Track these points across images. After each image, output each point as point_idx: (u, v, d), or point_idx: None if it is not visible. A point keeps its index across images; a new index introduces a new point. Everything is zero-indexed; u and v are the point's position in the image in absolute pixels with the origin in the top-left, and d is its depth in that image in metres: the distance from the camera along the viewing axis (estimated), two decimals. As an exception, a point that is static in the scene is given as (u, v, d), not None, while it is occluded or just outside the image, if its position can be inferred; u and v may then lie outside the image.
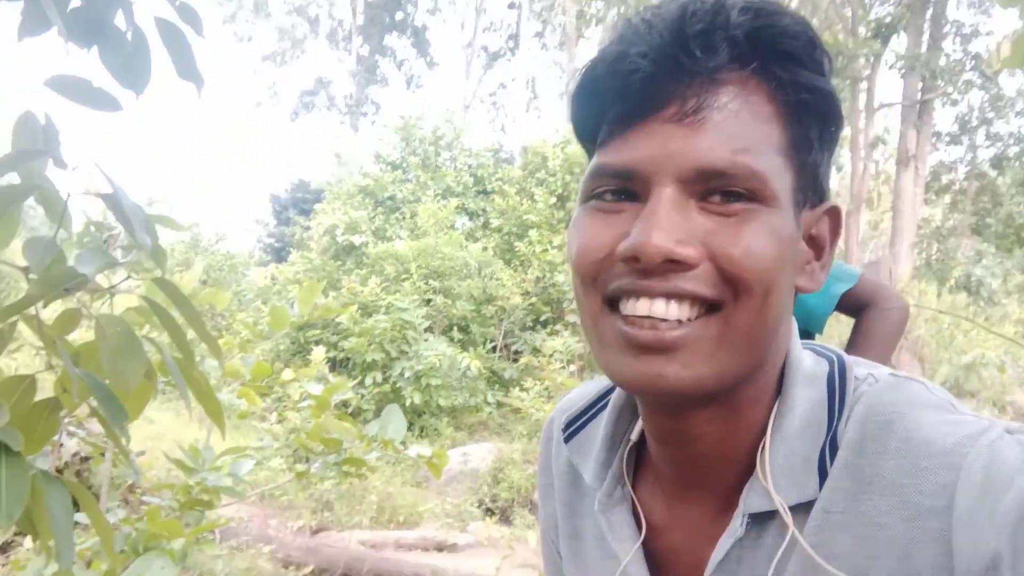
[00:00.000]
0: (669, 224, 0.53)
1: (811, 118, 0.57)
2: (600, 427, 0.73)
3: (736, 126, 0.54)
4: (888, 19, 16.37)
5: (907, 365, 8.67)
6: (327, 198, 13.57)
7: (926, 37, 15.79)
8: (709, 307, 0.55)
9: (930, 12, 15.81)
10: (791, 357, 0.62)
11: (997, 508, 0.48)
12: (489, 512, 6.76)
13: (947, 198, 17.36)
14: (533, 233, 11.47)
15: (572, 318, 9.51)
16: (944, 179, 17.41)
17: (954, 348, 9.07)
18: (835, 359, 0.63)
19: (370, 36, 28.41)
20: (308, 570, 4.75)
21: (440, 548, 5.62)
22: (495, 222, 12.37)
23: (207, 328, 1.13)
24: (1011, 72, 15.77)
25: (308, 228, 13.53)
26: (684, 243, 0.53)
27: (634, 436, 0.71)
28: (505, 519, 6.64)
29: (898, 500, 0.54)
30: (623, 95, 0.55)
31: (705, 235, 0.54)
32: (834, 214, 0.63)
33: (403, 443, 2.51)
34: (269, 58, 28.93)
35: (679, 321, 0.55)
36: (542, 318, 10.60)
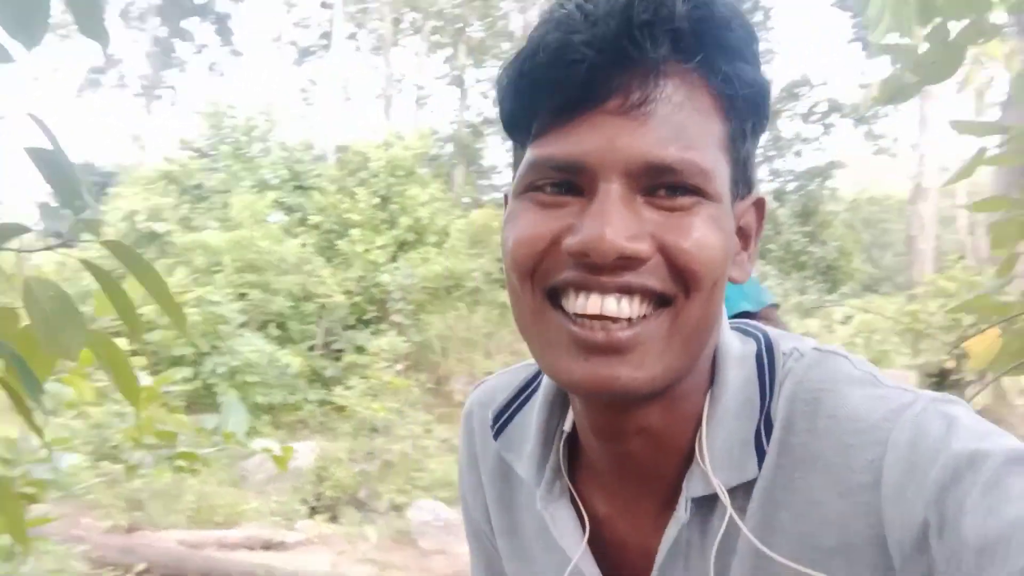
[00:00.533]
0: (620, 220, 0.52)
1: (748, 111, 0.57)
2: (530, 418, 0.71)
3: (681, 120, 0.53)
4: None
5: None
6: (125, 182, 12.48)
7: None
8: (658, 302, 0.54)
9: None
10: (722, 341, 0.63)
11: (923, 481, 0.49)
12: (314, 511, 6.51)
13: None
14: (355, 232, 11.28)
15: (398, 318, 9.42)
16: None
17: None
18: (761, 336, 0.63)
19: (168, 17, 26.59)
20: (137, 570, 4.32)
21: (267, 547, 5.33)
22: (314, 219, 12.01)
23: (172, 296, 1.02)
24: (790, 118, 17.71)
25: (103, 212, 12.33)
26: (636, 239, 0.52)
27: (567, 427, 0.69)
28: (333, 518, 6.42)
29: (831, 477, 0.55)
30: (566, 85, 0.53)
31: (654, 229, 0.53)
32: (760, 205, 0.63)
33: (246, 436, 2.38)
34: (51, 30, 26.17)
35: (628, 320, 0.54)
36: (365, 317, 10.41)
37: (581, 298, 0.54)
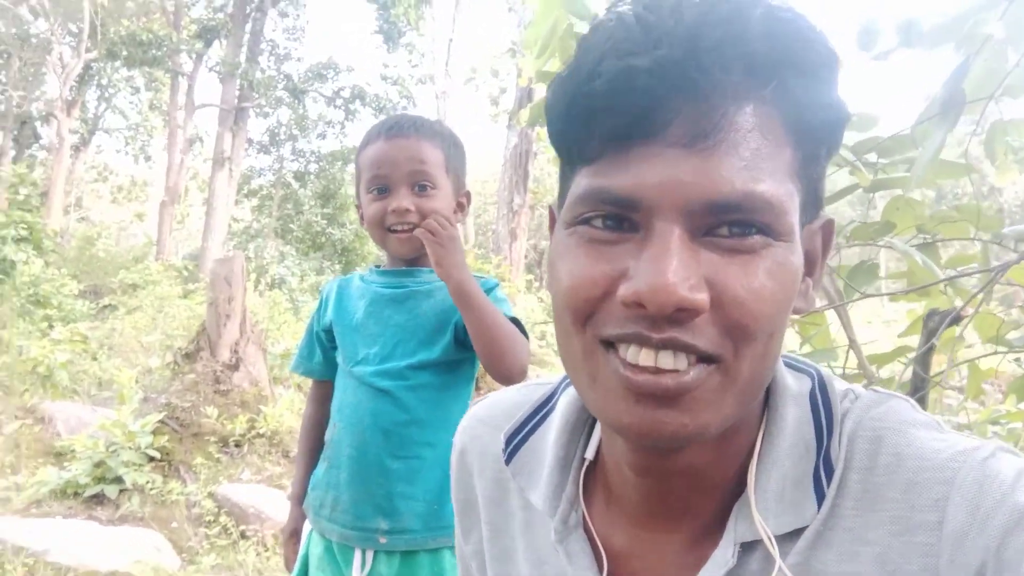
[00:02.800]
0: (679, 268, 0.48)
1: (823, 136, 0.53)
2: (545, 442, 0.67)
3: (750, 152, 0.49)
4: (212, 22, 16.95)
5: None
6: None
7: (245, 49, 16.85)
8: (706, 359, 0.51)
9: (249, 27, 16.95)
10: (777, 377, 0.59)
11: (987, 524, 0.48)
12: None
13: (255, 201, 18.75)
14: None
15: None
16: (254, 183, 18.76)
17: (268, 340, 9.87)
18: (815, 374, 0.61)
19: None
20: None
21: None
22: None
23: None
24: (315, 100, 17.96)
25: None
26: (695, 288, 0.48)
27: (589, 455, 0.66)
28: None
29: (888, 515, 0.52)
30: (624, 113, 0.48)
31: (713, 274, 0.49)
32: (828, 227, 0.59)
33: None
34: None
35: (682, 370, 0.51)
36: None
37: (634, 349, 0.50)
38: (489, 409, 0.75)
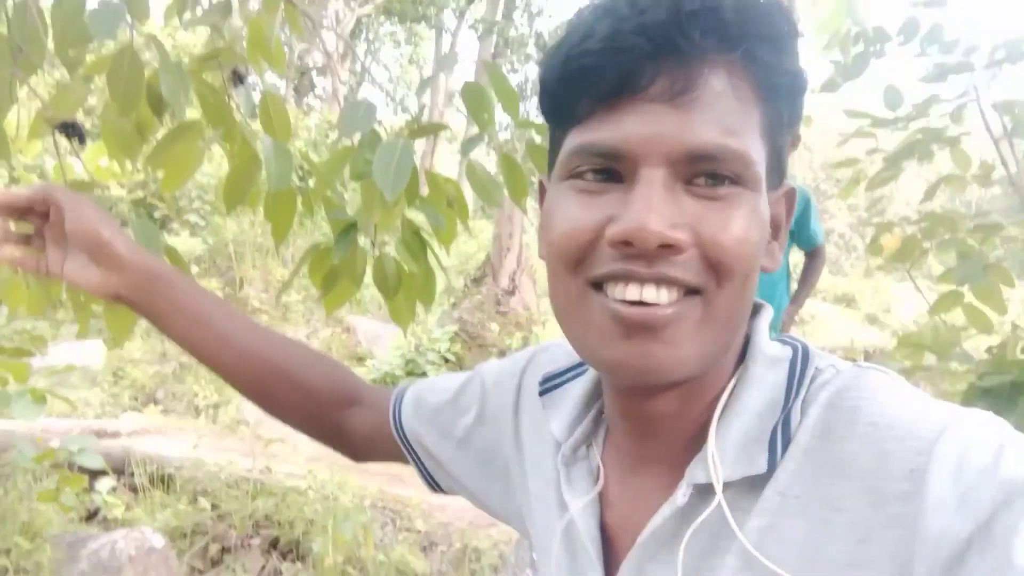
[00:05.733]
0: (663, 208, 0.52)
1: (786, 101, 0.57)
2: (576, 390, 0.73)
3: (724, 108, 0.54)
4: (473, -19, 18.06)
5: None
6: None
7: (501, 6, 17.92)
8: (689, 291, 0.55)
9: (506, -16, 17.92)
10: (756, 337, 0.63)
11: (973, 498, 0.47)
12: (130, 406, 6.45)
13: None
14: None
15: (193, 218, 9.09)
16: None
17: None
18: (800, 347, 0.63)
19: None
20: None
21: (100, 434, 5.28)
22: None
23: None
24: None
25: None
26: (677, 227, 0.53)
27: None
28: (164, 411, 6.43)
29: (863, 484, 0.52)
30: (613, 71, 0.53)
31: (693, 220, 0.54)
32: (790, 195, 0.64)
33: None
34: None
35: (667, 303, 0.55)
36: (156, 215, 9.88)
37: (621, 287, 0.55)
38: (551, 352, 0.81)
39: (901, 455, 0.51)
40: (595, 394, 0.71)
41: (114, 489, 3.56)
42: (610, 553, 0.66)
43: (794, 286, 3.27)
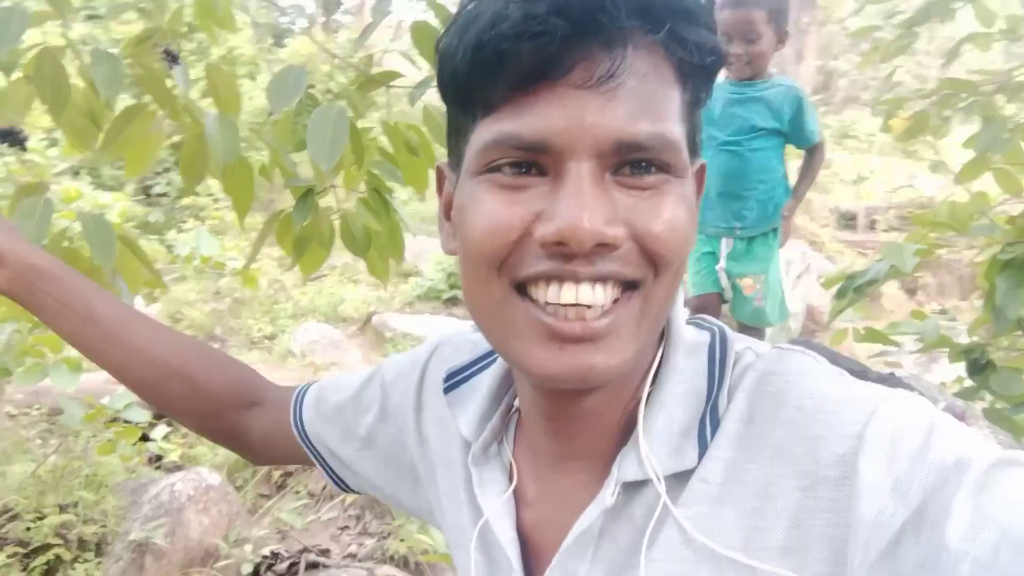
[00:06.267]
0: (596, 204, 0.49)
1: (705, 80, 0.55)
2: (482, 384, 0.70)
3: (647, 92, 0.50)
4: None
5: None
6: None
7: None
8: (628, 285, 0.53)
9: None
10: (673, 324, 0.61)
11: (905, 480, 0.46)
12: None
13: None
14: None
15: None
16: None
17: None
18: (716, 331, 0.61)
19: None
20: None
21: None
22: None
23: None
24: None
25: None
26: (611, 223, 0.50)
27: (517, 402, 0.68)
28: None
29: (792, 469, 0.51)
30: (530, 56, 0.49)
31: (626, 212, 0.51)
32: (701, 171, 0.61)
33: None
34: None
35: (603, 307, 0.52)
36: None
37: (554, 288, 0.52)
38: (454, 342, 0.78)
39: (830, 440, 0.50)
40: (504, 386, 0.69)
41: (167, 436, 3.75)
42: (529, 555, 0.64)
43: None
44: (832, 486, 0.49)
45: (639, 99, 0.50)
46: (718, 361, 0.58)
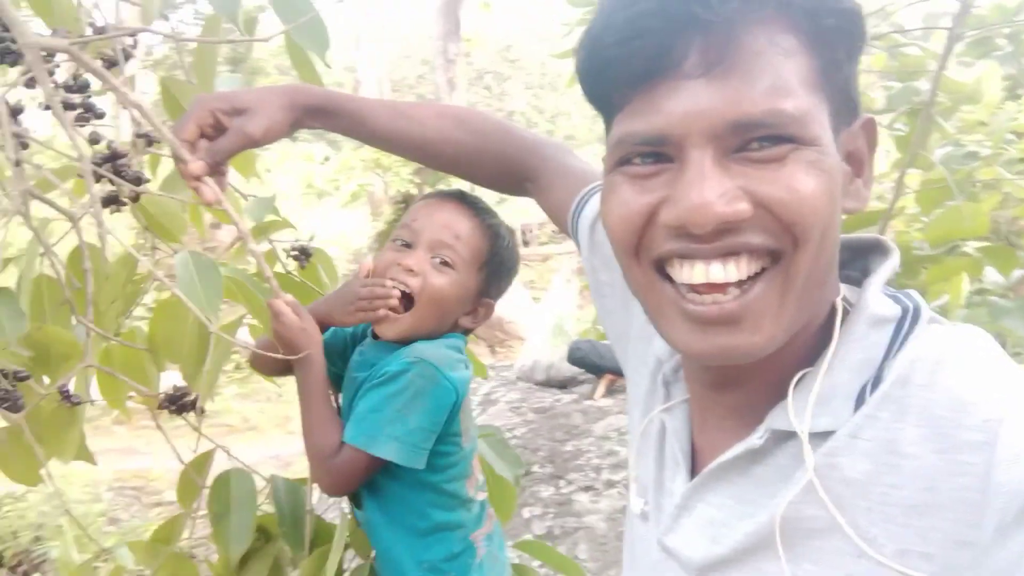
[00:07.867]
0: (713, 185, 0.51)
1: (838, 40, 0.54)
2: None
3: (763, 69, 0.51)
4: None
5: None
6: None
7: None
8: (767, 258, 0.54)
9: None
10: (866, 293, 0.60)
11: None
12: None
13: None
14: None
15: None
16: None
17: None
18: (911, 306, 0.59)
19: None
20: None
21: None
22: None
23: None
24: None
25: None
26: (732, 200, 0.51)
27: None
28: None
29: (932, 431, 0.51)
30: (638, 58, 0.52)
31: (749, 184, 0.52)
32: (869, 126, 0.60)
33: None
34: None
35: (738, 284, 0.53)
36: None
37: (687, 268, 0.54)
38: None
39: (976, 405, 0.50)
40: None
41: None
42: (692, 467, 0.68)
43: None
44: (972, 450, 0.49)
45: (753, 77, 0.51)
46: (902, 336, 0.57)
